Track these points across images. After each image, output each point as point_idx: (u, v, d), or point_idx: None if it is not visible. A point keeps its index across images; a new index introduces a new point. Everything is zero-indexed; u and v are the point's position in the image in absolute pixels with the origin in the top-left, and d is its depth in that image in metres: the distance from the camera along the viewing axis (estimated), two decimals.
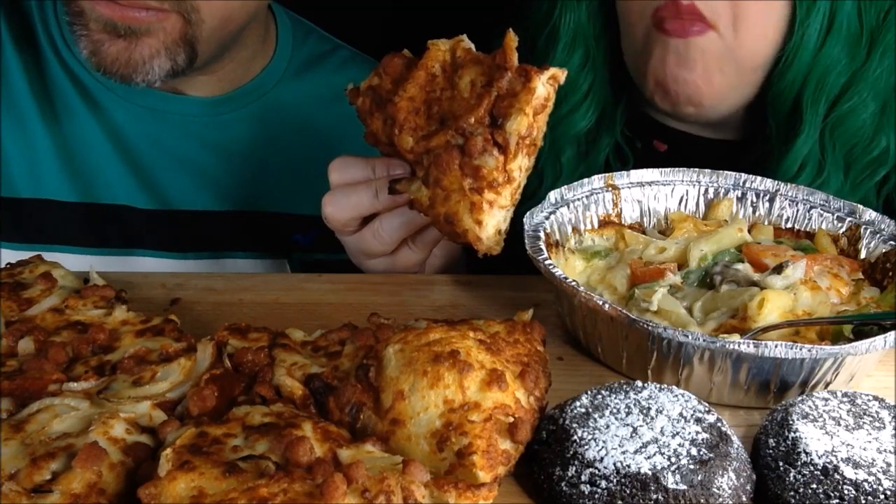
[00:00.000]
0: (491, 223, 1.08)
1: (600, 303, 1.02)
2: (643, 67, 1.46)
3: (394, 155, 1.19)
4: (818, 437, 0.87)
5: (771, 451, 0.89)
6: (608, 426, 0.87)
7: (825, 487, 0.83)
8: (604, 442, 0.85)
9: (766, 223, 1.28)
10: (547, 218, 1.19)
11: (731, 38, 1.36)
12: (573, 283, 1.05)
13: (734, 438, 0.89)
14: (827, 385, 1.02)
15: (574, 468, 0.85)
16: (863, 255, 1.22)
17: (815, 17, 1.35)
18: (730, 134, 1.56)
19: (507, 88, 1.07)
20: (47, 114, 1.60)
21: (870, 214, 1.23)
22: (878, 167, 1.43)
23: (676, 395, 0.91)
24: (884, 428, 0.88)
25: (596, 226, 1.26)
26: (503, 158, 1.06)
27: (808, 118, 1.39)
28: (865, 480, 0.82)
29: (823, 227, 1.25)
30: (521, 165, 1.08)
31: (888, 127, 1.40)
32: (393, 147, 1.17)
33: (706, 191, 1.30)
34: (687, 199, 1.31)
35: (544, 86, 1.07)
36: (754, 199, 1.29)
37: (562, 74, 1.08)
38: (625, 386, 0.93)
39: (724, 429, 0.88)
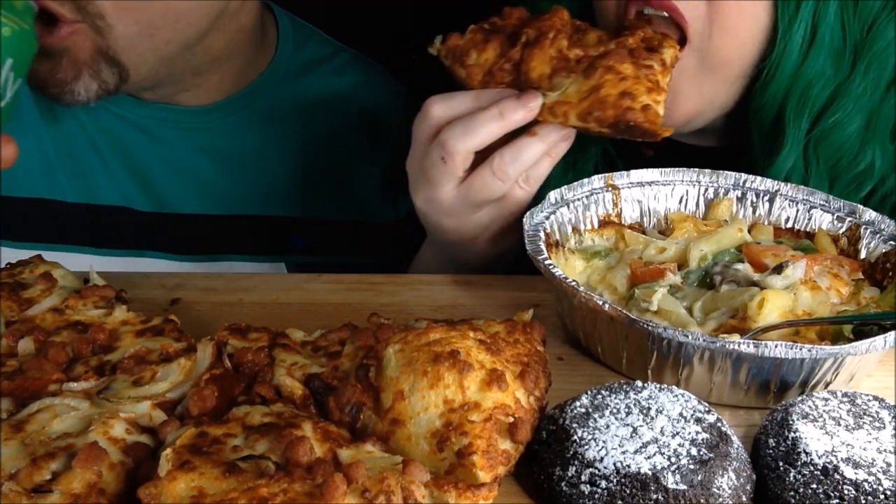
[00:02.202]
0: (660, 109, 1.15)
1: (600, 303, 1.02)
2: None
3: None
4: (818, 437, 0.87)
5: (771, 451, 0.89)
6: (608, 426, 0.87)
7: (825, 487, 0.83)
8: (604, 442, 0.85)
9: (766, 223, 1.28)
10: (547, 218, 1.19)
11: (703, 44, 1.31)
12: (573, 283, 1.05)
13: (734, 438, 0.89)
14: (827, 385, 1.02)
15: (574, 468, 0.85)
16: (863, 255, 1.21)
17: (797, 29, 1.31)
18: (714, 141, 1.54)
19: (648, 37, 1.21)
20: (46, 114, 1.60)
21: (870, 214, 1.23)
22: (864, 181, 1.39)
23: (676, 395, 0.91)
24: (884, 428, 0.88)
25: (596, 226, 1.26)
26: (661, 69, 1.18)
27: (790, 132, 1.35)
28: (865, 480, 0.82)
29: (823, 227, 1.25)
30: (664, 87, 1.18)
31: (874, 141, 1.36)
32: (503, 73, 1.21)
33: (706, 191, 1.30)
34: (687, 199, 1.30)
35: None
36: (754, 199, 1.29)
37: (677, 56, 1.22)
38: (625, 386, 0.93)
39: (724, 429, 0.88)
